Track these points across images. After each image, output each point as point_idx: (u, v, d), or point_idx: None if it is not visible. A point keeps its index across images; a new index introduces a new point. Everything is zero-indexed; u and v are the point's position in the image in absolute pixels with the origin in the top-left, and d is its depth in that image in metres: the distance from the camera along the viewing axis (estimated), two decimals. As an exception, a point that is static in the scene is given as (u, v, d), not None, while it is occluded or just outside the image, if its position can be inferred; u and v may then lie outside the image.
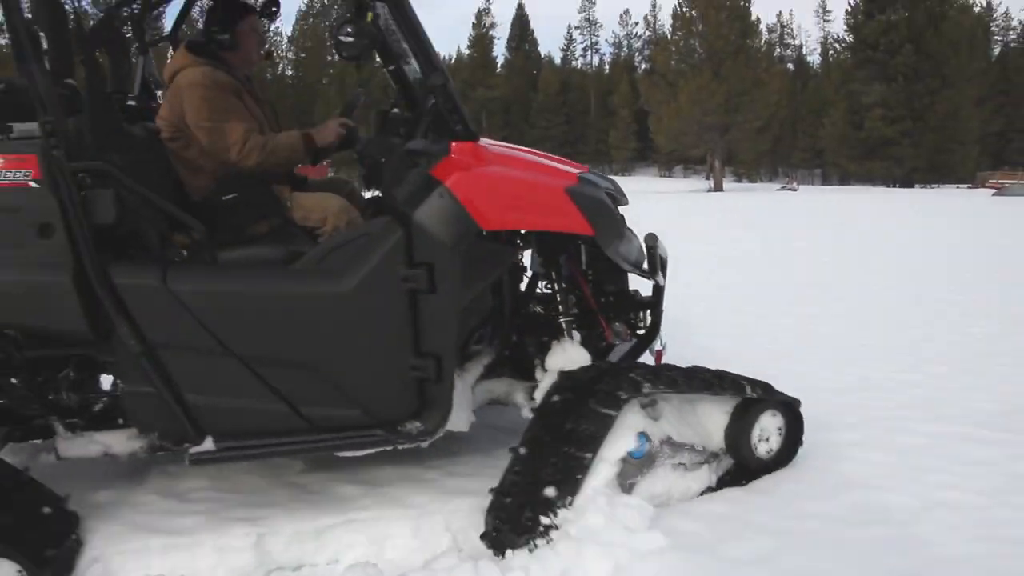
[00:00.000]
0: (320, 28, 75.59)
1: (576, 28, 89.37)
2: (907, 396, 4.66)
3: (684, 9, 47.79)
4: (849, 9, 55.68)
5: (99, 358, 3.11)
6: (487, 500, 3.18)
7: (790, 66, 77.84)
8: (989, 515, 3.37)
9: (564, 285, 3.64)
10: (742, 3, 46.95)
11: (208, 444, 3.03)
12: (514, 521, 3.01)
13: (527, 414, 3.48)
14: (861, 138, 51.44)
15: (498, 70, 76.17)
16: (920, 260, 11.13)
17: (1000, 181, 41.29)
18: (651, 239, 3.91)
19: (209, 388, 3.03)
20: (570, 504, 3.02)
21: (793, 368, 5.10)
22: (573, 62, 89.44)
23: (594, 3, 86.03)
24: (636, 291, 4.02)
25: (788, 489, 3.51)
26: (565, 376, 3.40)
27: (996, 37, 76.09)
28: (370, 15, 3.09)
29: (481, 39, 73.22)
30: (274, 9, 3.82)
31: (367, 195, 3.92)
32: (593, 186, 3.53)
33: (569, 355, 3.53)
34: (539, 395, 3.41)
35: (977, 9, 68.42)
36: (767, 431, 3.58)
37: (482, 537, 3.06)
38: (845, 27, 57.17)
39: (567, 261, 3.64)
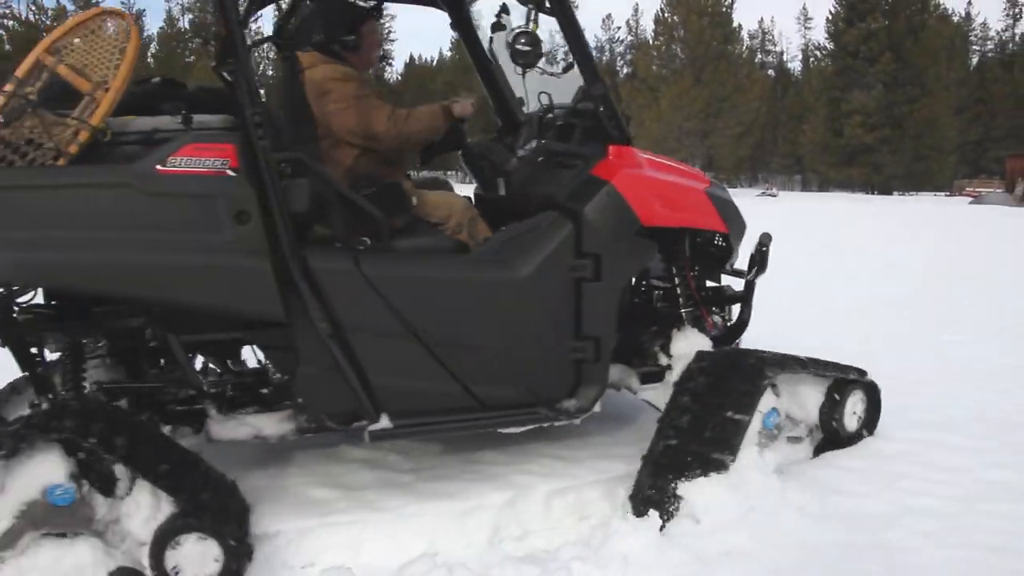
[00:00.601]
0: (302, 28, 75.30)
1: (558, 32, 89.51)
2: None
3: (666, 14, 48.00)
4: (830, 17, 56.04)
5: (258, 342, 3.32)
6: (465, 504, 3.35)
7: (771, 72, 78.17)
8: (962, 522, 3.41)
9: (681, 279, 3.96)
10: (724, 9, 47.33)
11: (385, 422, 3.22)
12: (668, 484, 3.29)
13: (642, 395, 3.91)
14: (841, 145, 51.76)
15: (480, 73, 76.22)
16: (895, 264, 11.20)
17: (976, 189, 41.68)
18: (766, 238, 4.12)
19: (391, 368, 3.22)
20: (727, 465, 3.34)
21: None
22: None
23: (576, 7, 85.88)
24: (728, 286, 4.30)
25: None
26: (703, 357, 3.68)
27: (974, 47, 76.75)
28: (534, 26, 3.39)
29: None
30: (376, 13, 4.00)
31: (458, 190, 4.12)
32: (722, 189, 3.98)
33: (692, 341, 3.86)
34: (676, 375, 3.69)
35: (956, 19, 69.06)
36: (855, 407, 3.97)
37: (631, 498, 3.37)
38: (826, 34, 57.53)
39: (682, 257, 3.95)
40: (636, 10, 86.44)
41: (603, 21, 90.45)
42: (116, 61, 2.94)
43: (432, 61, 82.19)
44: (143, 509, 2.78)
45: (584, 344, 3.45)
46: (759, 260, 4.05)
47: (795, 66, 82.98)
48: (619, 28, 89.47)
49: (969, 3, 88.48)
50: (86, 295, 3.02)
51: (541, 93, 3.99)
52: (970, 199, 36.53)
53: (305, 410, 3.26)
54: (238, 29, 3.03)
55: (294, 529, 3.16)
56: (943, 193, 48.88)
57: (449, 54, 74.61)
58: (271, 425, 3.32)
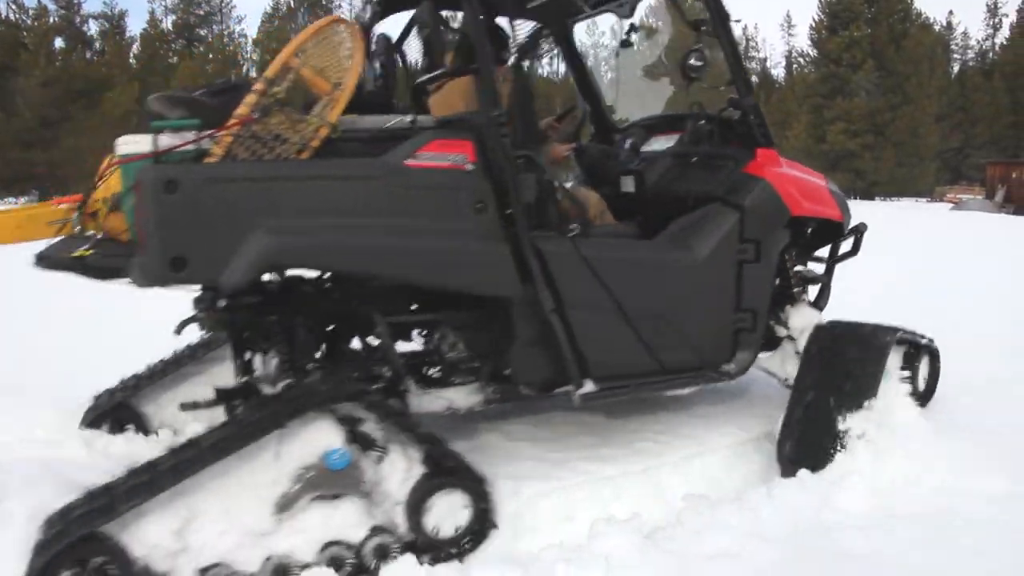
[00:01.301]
0: (286, 30, 74.95)
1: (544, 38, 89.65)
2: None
3: (650, 20, 48.02)
4: (813, 24, 56.32)
5: (457, 322, 3.72)
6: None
7: (755, 79, 78.62)
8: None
9: (801, 262, 4.66)
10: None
11: (590, 386, 3.69)
12: (812, 442, 3.86)
13: (763, 365, 4.48)
14: (823, 151, 51.97)
15: (465, 77, 76.14)
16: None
17: (957, 196, 41.97)
18: (862, 226, 4.74)
19: (597, 339, 3.69)
20: (859, 424, 3.86)
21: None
22: (540, 70, 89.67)
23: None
24: (810, 269, 4.83)
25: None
26: (823, 329, 4.33)
27: (955, 55, 77.47)
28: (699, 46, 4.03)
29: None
30: None
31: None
32: (835, 186, 4.68)
33: (807, 315, 4.51)
34: (801, 346, 4.34)
35: (937, 28, 69.62)
36: (924, 371, 4.66)
37: (779, 460, 3.94)
38: (809, 42, 57.85)
39: (802, 243, 4.61)
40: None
41: (587, 27, 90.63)
42: (347, 64, 3.27)
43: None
44: (398, 471, 3.13)
45: (744, 316, 4.12)
46: (854, 245, 4.73)
47: (778, 72, 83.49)
48: (603, 33, 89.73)
49: (951, 12, 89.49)
50: (339, 275, 3.42)
51: (693, 103, 4.50)
52: (951, 205, 36.76)
53: (513, 380, 3.72)
54: (484, 39, 3.49)
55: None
56: (924, 199, 49.21)
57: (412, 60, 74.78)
58: (462, 398, 3.72)
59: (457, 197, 3.36)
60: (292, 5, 79.25)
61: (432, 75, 4.19)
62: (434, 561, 3.12)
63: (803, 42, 76.91)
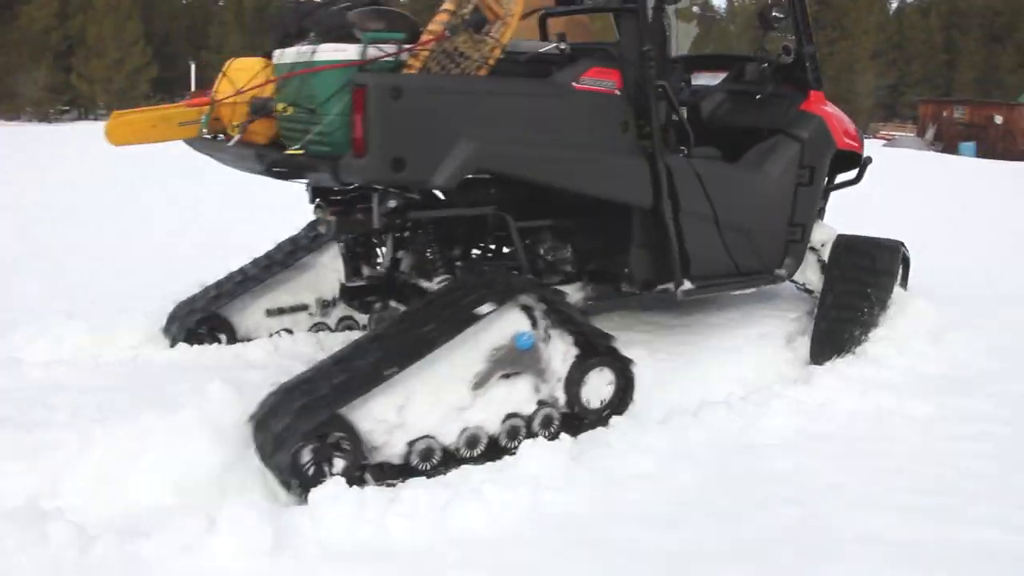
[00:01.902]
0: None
1: None
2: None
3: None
4: (754, -44, 56.12)
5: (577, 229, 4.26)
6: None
7: (696, 9, 78.24)
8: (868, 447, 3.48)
9: (828, 186, 5.29)
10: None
11: (688, 285, 4.26)
12: (836, 341, 4.58)
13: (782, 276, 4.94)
14: (761, 85, 52.21)
15: (403, 1, 74.20)
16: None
17: (891, 133, 42.58)
18: (869, 159, 5.41)
19: (697, 243, 4.26)
20: (882, 317, 4.74)
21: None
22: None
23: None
24: None
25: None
26: (840, 243, 5.01)
27: (894, -8, 77.87)
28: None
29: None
30: None
31: None
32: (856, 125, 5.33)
33: (826, 231, 5.20)
34: (826, 255, 5.05)
35: (876, -37, 69.77)
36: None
37: (812, 351, 4.61)
38: (750, -26, 57.56)
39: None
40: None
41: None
42: None
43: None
44: (559, 353, 3.60)
45: (796, 229, 4.83)
46: (858, 175, 5.41)
47: (720, 3, 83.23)
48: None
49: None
50: (512, 179, 3.72)
51: (759, 50, 5.05)
52: (884, 142, 37.34)
53: (626, 279, 4.28)
54: None
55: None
56: (858, 136, 49.87)
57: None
58: (571, 295, 4.11)
59: (608, 117, 3.91)
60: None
61: (588, 8, 5.09)
62: (578, 431, 3.59)
63: (745, -26, 76.67)
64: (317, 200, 4.00)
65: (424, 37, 3.42)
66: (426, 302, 3.51)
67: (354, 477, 3.06)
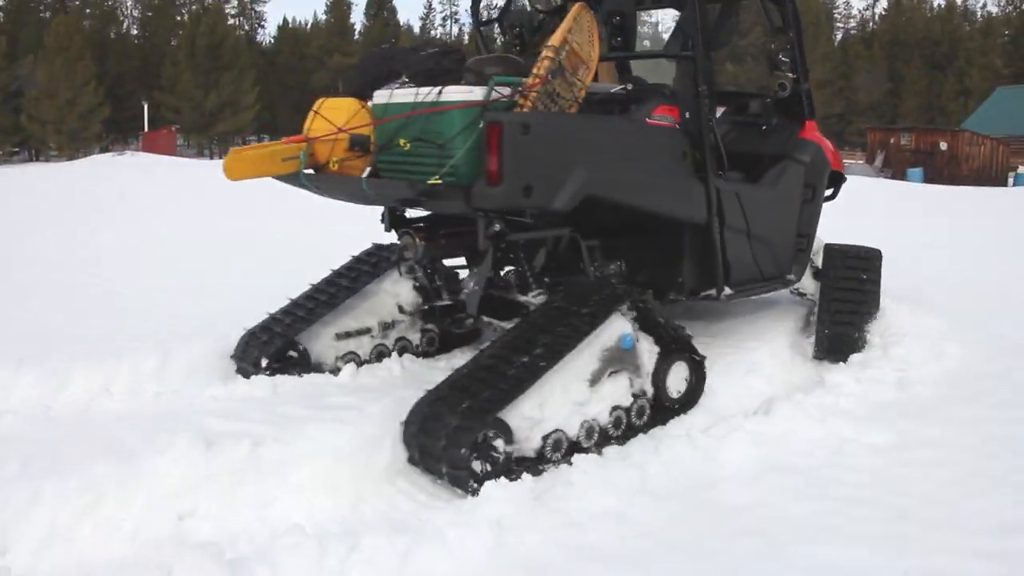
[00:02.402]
0: (168, -14, 71.81)
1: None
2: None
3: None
4: (703, -10, 57.05)
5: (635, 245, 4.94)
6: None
7: (647, 43, 79.38)
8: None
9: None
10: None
11: (728, 290, 4.91)
12: (843, 337, 5.24)
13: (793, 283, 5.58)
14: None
15: (355, 37, 74.32)
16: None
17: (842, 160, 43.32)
18: (844, 178, 6.07)
19: (735, 254, 4.88)
20: (872, 323, 5.37)
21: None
22: (432, 31, 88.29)
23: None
24: None
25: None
26: (829, 251, 5.55)
27: (838, 24, 79.82)
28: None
29: (338, 5, 71.05)
30: None
31: None
32: None
33: (816, 241, 5.73)
34: (819, 263, 5.69)
35: (821, -3, 71.39)
36: None
37: (816, 351, 5.31)
38: (699, 8, 58.46)
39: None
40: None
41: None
42: (592, 40, 4.24)
43: (306, 24, 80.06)
44: (646, 351, 4.16)
45: (802, 239, 5.49)
46: (834, 192, 5.97)
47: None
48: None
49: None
50: (607, 202, 4.20)
51: (780, 83, 5.36)
52: (833, 170, 37.95)
53: (676, 288, 4.88)
54: (700, 30, 4.55)
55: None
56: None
57: (324, 17, 72.92)
58: None
59: (672, 147, 4.52)
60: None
61: (650, 53, 6.00)
62: (664, 421, 4.17)
63: (694, 8, 77.87)
64: (405, 228, 4.56)
65: (531, 80, 3.96)
66: (545, 312, 4.12)
67: (508, 471, 3.50)
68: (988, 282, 7.86)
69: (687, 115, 4.59)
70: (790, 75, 5.37)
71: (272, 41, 77.77)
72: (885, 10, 76.90)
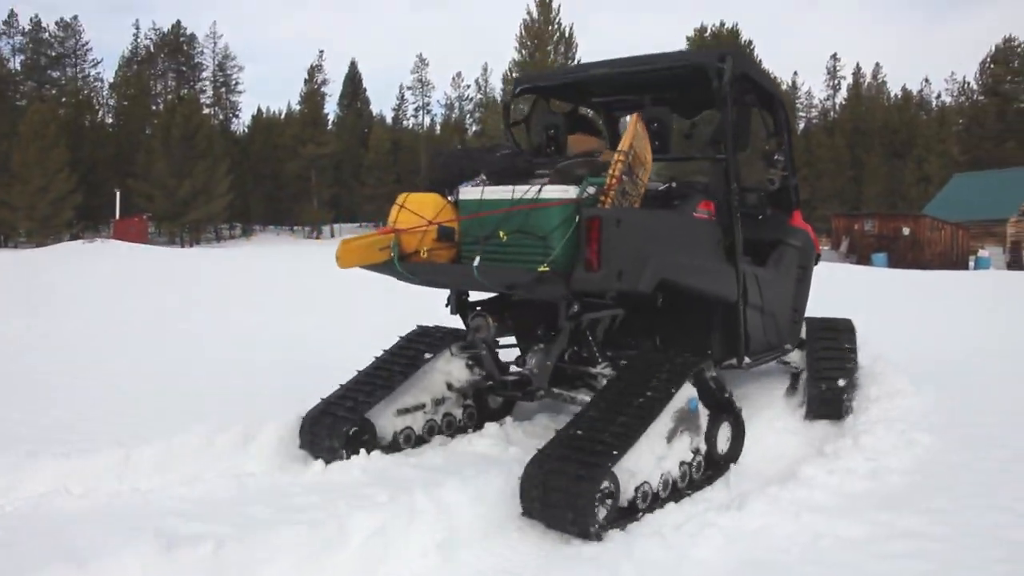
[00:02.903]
0: (144, 76, 72.62)
1: (408, 88, 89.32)
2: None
3: (514, 74, 48.64)
4: (670, 81, 58.53)
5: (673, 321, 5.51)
6: None
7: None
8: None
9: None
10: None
11: (748, 360, 5.49)
12: (832, 404, 5.79)
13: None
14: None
15: (329, 127, 75.20)
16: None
17: (806, 246, 43.95)
18: (818, 258, 6.89)
19: (753, 327, 5.52)
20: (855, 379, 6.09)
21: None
22: (404, 121, 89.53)
23: (427, 64, 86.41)
24: None
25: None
26: (811, 323, 6.52)
27: (800, 113, 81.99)
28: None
29: (312, 95, 72.06)
30: None
31: None
32: None
33: None
34: (803, 334, 6.45)
35: (784, 87, 73.48)
36: None
37: (807, 412, 5.86)
38: (666, 98, 59.85)
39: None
40: (486, 69, 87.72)
41: (452, 79, 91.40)
42: (646, 144, 4.74)
43: (280, 114, 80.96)
44: (702, 413, 4.71)
45: (796, 312, 6.25)
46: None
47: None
48: (468, 86, 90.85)
49: (795, 73, 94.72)
50: (673, 284, 4.81)
51: (770, 178, 6.08)
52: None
53: (710, 356, 5.23)
54: (731, 134, 5.35)
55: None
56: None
57: (298, 107, 73.76)
58: None
59: (711, 236, 5.21)
60: (152, 50, 77.07)
61: (689, 156, 6.57)
62: (713, 478, 4.71)
63: (661, 98, 79.73)
64: (477, 310, 5.33)
65: (610, 180, 4.50)
66: (629, 379, 4.60)
67: (615, 520, 3.95)
68: (953, 360, 7.93)
69: (720, 208, 5.26)
70: (782, 172, 6.05)
71: (246, 130, 78.54)
72: (845, 100, 79.12)
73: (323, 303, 12.92)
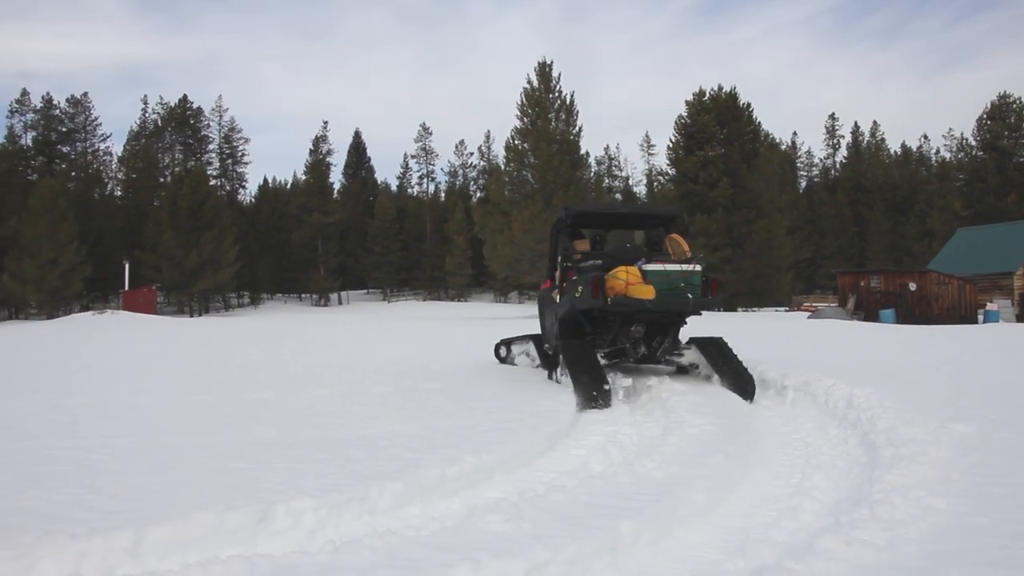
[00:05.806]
0: (152, 149, 73.75)
1: (412, 157, 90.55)
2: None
3: (516, 142, 48.89)
4: (670, 145, 59.28)
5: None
6: None
7: (618, 196, 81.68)
8: None
9: None
10: (572, 137, 48.34)
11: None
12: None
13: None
14: (687, 263, 53.87)
15: (335, 196, 76.14)
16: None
17: (813, 304, 44.05)
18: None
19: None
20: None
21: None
22: (409, 189, 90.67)
23: (430, 133, 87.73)
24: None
25: None
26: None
27: (802, 172, 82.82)
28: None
29: (318, 165, 73.24)
30: None
31: None
32: None
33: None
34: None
35: (784, 147, 74.38)
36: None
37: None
38: (667, 161, 60.57)
39: None
40: (488, 136, 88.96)
41: (456, 147, 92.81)
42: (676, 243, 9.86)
43: (286, 184, 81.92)
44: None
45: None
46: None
47: (640, 189, 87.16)
48: (471, 154, 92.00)
49: (795, 133, 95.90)
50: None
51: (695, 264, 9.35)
52: (808, 313, 38.55)
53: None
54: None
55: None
56: (783, 308, 51.47)
57: (303, 177, 74.62)
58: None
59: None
60: (159, 123, 78.42)
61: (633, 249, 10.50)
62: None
63: (662, 161, 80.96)
64: (635, 324, 9.34)
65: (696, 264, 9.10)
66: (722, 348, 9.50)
67: None
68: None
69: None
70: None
71: (252, 200, 79.45)
72: (845, 158, 79.87)
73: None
